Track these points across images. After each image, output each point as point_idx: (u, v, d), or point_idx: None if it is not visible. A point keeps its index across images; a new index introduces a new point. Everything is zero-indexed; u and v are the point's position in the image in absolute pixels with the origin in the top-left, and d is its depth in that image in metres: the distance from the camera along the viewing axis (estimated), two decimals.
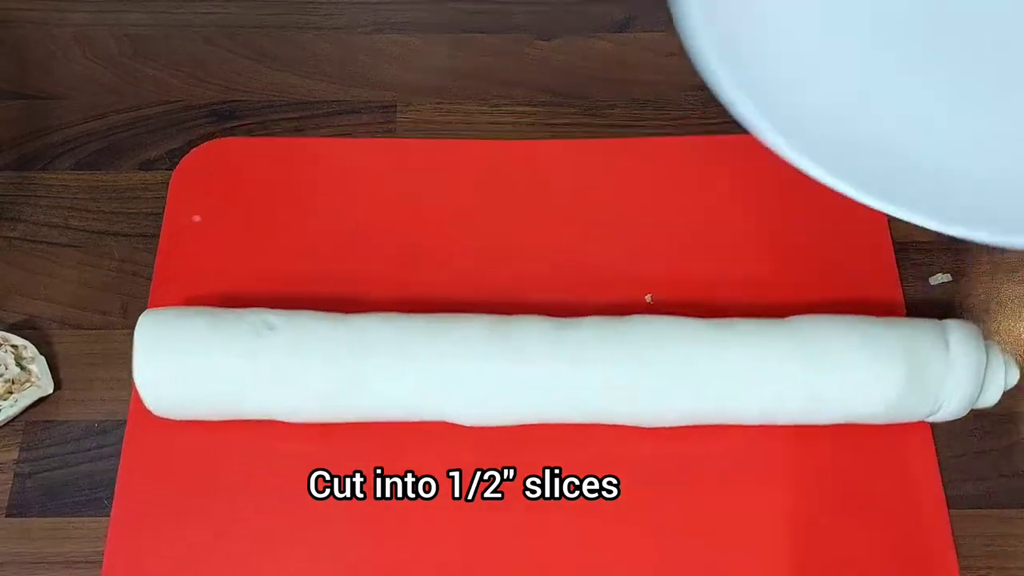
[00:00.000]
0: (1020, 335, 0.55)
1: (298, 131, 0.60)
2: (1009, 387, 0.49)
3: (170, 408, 0.48)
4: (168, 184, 0.57)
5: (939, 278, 0.56)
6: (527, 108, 0.61)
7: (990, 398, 0.48)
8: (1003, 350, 0.49)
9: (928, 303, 0.55)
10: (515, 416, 0.48)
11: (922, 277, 0.56)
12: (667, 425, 0.49)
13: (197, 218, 0.56)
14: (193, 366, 0.46)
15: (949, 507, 0.49)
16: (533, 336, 0.48)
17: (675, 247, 0.56)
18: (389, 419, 0.49)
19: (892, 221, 0.56)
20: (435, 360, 0.47)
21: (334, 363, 0.47)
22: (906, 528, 0.49)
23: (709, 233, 0.56)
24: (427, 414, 0.48)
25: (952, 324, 0.49)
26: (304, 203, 0.57)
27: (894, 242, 0.57)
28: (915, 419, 0.49)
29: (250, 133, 0.60)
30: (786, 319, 0.49)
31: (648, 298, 0.54)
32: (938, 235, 0.57)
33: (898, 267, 0.56)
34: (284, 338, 0.47)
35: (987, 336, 0.49)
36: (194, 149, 0.58)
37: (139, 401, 0.48)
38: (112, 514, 0.48)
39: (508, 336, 0.48)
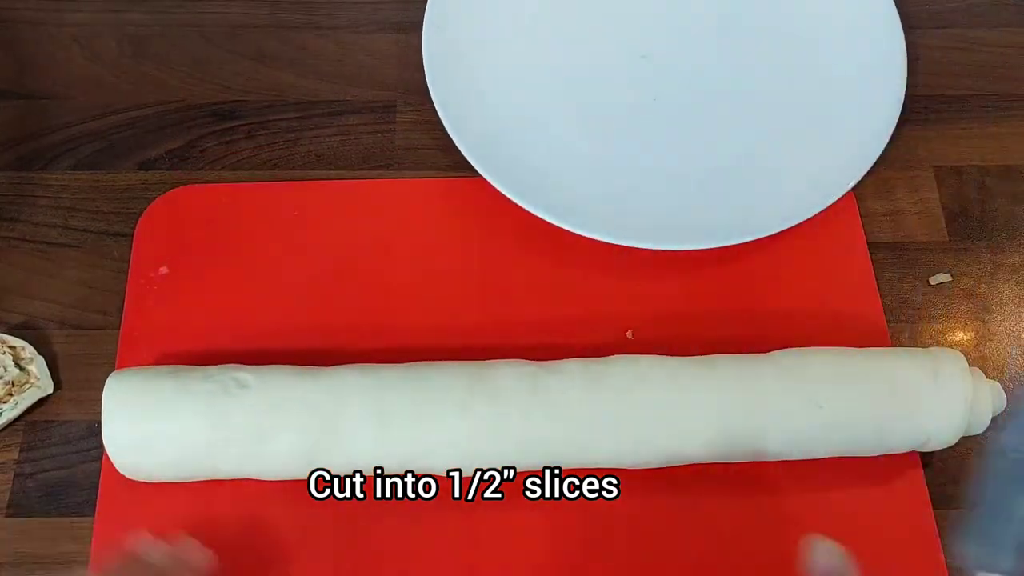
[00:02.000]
0: (1020, 335, 0.55)
1: (298, 131, 0.60)
2: (997, 412, 0.48)
3: (143, 473, 0.46)
4: (141, 226, 0.57)
5: (939, 278, 0.56)
6: None
7: (980, 425, 0.48)
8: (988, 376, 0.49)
9: (925, 302, 0.56)
10: (498, 464, 0.47)
11: (922, 277, 0.56)
12: (653, 467, 0.48)
13: (164, 270, 0.54)
14: (163, 432, 0.45)
15: (939, 507, 0.50)
16: (512, 383, 0.47)
17: (654, 281, 0.55)
18: (367, 471, 0.47)
19: (871, 242, 0.56)
20: (414, 415, 0.46)
21: (309, 422, 0.45)
22: (898, 559, 0.48)
23: (686, 264, 0.55)
24: (406, 467, 0.47)
25: (937, 354, 0.48)
26: (272, 250, 0.55)
27: (895, 244, 0.57)
28: (904, 450, 0.49)
29: (250, 133, 0.60)
30: (769, 354, 0.49)
31: (629, 334, 0.53)
32: (938, 235, 0.58)
33: (898, 268, 0.56)
34: (257, 397, 0.46)
35: (971, 363, 0.49)
36: (158, 199, 0.56)
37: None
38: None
39: (487, 385, 0.47)
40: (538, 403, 0.46)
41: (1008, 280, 0.57)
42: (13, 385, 0.50)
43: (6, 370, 0.50)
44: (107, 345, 0.53)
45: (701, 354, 0.49)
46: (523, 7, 0.62)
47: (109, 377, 0.46)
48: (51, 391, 0.51)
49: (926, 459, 0.51)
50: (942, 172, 0.60)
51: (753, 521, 0.49)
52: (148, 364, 0.50)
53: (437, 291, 0.54)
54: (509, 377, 0.47)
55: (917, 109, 0.62)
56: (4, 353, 0.51)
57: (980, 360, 0.54)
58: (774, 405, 0.47)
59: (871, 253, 0.56)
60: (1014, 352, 0.54)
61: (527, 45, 0.61)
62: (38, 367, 0.51)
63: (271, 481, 0.48)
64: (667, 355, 0.49)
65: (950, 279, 0.56)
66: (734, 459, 0.48)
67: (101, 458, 0.49)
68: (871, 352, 0.49)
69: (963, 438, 0.48)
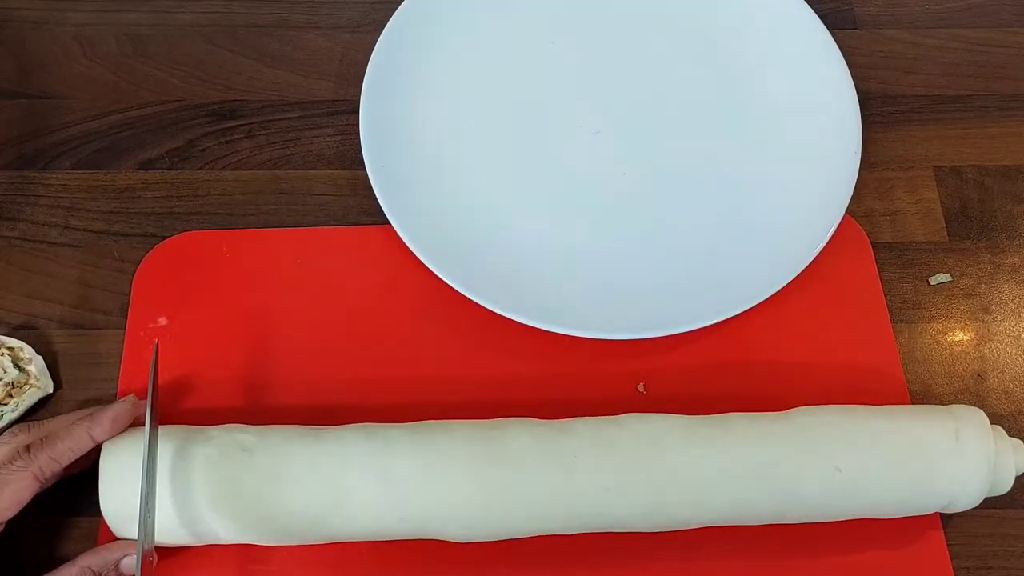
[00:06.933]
0: (1020, 335, 0.55)
1: (298, 131, 0.60)
2: (1020, 471, 0.47)
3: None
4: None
5: (939, 278, 0.56)
6: None
7: (1003, 485, 0.47)
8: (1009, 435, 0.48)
9: (928, 304, 0.56)
10: (510, 531, 0.46)
11: (922, 277, 0.56)
12: (671, 530, 0.47)
13: (163, 320, 0.53)
14: (162, 499, 0.44)
15: (959, 568, 0.49)
16: (524, 446, 0.45)
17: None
18: (374, 539, 0.47)
19: (871, 242, 0.56)
20: (421, 480, 0.45)
21: (313, 488, 0.44)
22: None
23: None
24: (415, 534, 0.46)
25: (958, 412, 0.47)
26: (273, 300, 0.54)
27: (895, 244, 0.57)
28: (925, 513, 0.48)
29: (250, 133, 0.60)
30: (786, 413, 0.48)
31: (640, 387, 0.52)
32: (938, 235, 0.58)
33: (898, 268, 0.57)
34: (259, 462, 0.44)
35: (992, 421, 0.48)
36: (157, 246, 0.55)
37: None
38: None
39: (497, 447, 0.45)
40: (549, 466, 0.45)
41: (1008, 280, 0.57)
42: (13, 386, 0.50)
43: (5, 371, 0.50)
44: (107, 345, 0.53)
45: (714, 407, 0.48)
46: (463, 88, 0.60)
47: (107, 442, 0.45)
48: (51, 391, 0.51)
49: (947, 519, 0.49)
50: (942, 172, 0.60)
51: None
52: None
53: (441, 344, 0.53)
54: (519, 439, 0.46)
55: (917, 109, 0.62)
56: (3, 355, 0.51)
57: (979, 360, 0.54)
58: (792, 469, 0.45)
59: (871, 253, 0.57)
60: (1014, 352, 0.54)
61: (473, 134, 0.59)
62: (37, 368, 0.51)
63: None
64: (680, 410, 0.48)
65: (950, 279, 0.56)
66: (750, 523, 0.47)
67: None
68: (890, 411, 0.47)
69: (986, 498, 0.47)
